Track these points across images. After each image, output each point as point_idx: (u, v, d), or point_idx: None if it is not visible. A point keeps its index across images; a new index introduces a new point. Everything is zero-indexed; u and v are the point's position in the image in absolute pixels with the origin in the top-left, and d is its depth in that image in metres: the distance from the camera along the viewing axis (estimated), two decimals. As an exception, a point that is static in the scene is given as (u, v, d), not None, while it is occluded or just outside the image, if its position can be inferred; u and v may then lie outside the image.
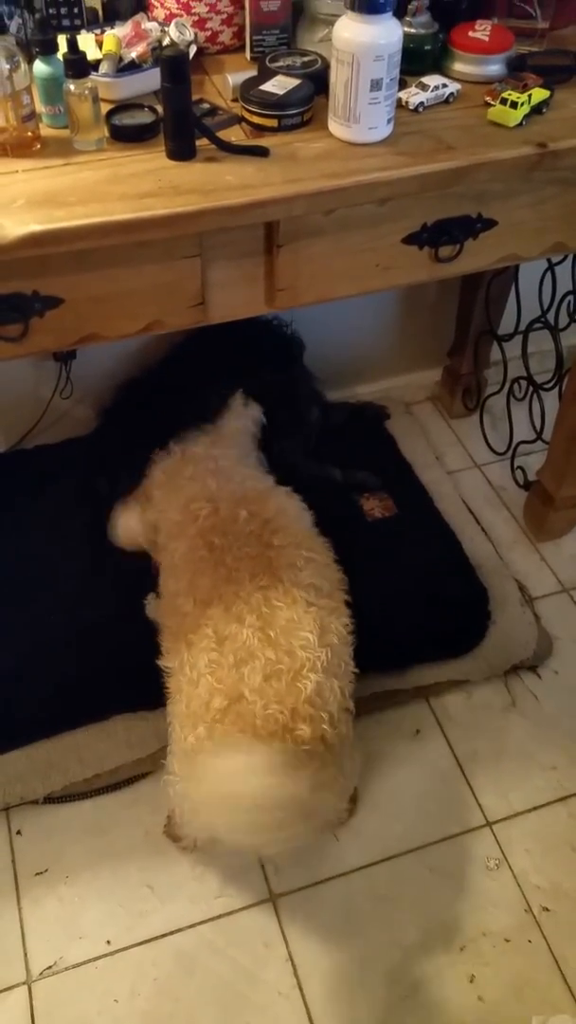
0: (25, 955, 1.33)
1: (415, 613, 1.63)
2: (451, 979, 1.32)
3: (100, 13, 1.30)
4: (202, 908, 1.38)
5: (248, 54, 1.30)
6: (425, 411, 2.14)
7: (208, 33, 1.30)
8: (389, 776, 1.53)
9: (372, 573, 1.66)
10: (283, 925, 1.37)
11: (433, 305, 2.02)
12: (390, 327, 2.04)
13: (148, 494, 1.57)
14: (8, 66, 1.06)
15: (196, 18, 1.28)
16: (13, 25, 1.22)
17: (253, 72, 1.22)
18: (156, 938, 1.35)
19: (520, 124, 1.16)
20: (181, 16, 1.27)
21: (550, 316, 1.76)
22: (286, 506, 1.46)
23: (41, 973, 1.32)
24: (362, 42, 1.04)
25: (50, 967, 1.32)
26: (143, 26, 1.25)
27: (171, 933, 1.36)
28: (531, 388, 1.86)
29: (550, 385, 1.80)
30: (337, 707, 1.20)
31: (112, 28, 1.25)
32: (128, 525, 1.62)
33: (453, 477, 1.97)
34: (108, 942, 1.35)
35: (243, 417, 1.67)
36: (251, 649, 1.20)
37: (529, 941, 1.36)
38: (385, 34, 1.04)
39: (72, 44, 1.07)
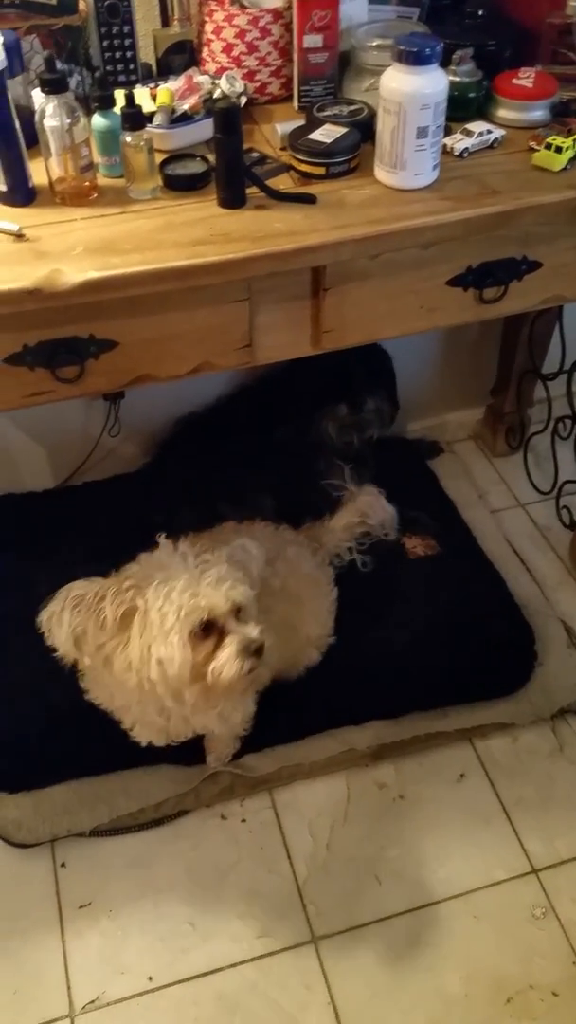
0: (68, 988, 1.33)
1: (458, 653, 1.62)
2: (497, 1031, 1.29)
3: (154, 68, 1.36)
4: (243, 947, 1.37)
5: (296, 104, 1.34)
6: (467, 449, 2.15)
7: (257, 84, 1.34)
8: (432, 819, 1.51)
9: (414, 612, 1.66)
10: (325, 968, 1.35)
11: (475, 344, 2.03)
12: (432, 366, 2.05)
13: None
14: (69, 120, 1.11)
15: (246, 71, 1.32)
16: (72, 82, 1.28)
17: (301, 121, 1.26)
18: (197, 976, 1.34)
19: (565, 168, 1.18)
20: (232, 69, 1.32)
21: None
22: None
23: (84, 1007, 1.32)
24: (408, 92, 1.07)
25: (92, 1001, 1.32)
26: (195, 79, 1.29)
27: (212, 972, 1.35)
28: (577, 427, 1.86)
29: (596, 424, 1.80)
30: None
31: (165, 82, 1.30)
32: None
33: (496, 516, 1.96)
34: (150, 978, 1.34)
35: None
36: None
37: (578, 995, 1.33)
38: (431, 84, 1.07)
39: (130, 98, 1.11)
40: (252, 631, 1.18)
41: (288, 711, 1.52)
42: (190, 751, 1.44)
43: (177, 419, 1.90)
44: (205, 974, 1.35)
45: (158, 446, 1.93)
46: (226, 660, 1.16)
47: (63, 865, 1.46)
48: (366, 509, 1.72)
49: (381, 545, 1.74)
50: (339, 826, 1.50)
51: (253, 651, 1.17)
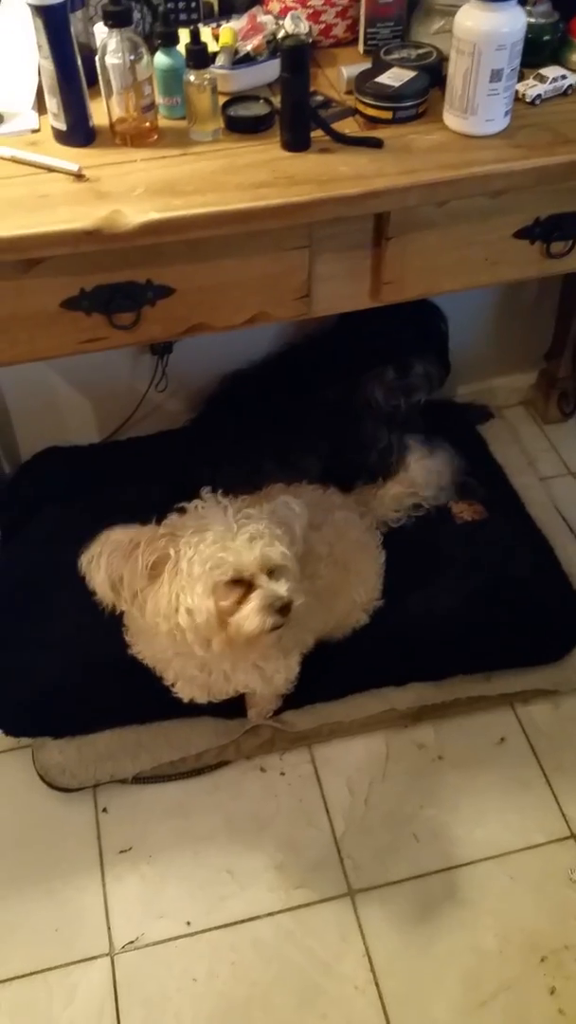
0: (108, 929, 1.36)
1: (504, 618, 1.60)
2: (531, 990, 1.30)
3: (216, 7, 1.32)
4: (281, 897, 1.38)
5: (361, 47, 1.30)
6: (517, 415, 2.11)
7: (322, 26, 1.31)
8: (471, 781, 1.51)
9: (459, 576, 1.64)
10: (360, 920, 1.36)
11: (532, 305, 1.98)
12: (485, 327, 2.01)
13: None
14: (132, 57, 1.08)
15: (311, 11, 1.28)
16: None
17: (366, 65, 1.22)
18: (235, 923, 1.36)
19: None
20: (296, 9, 1.28)
21: None
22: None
23: (123, 947, 1.35)
24: (485, 31, 1.03)
25: (132, 942, 1.35)
26: (258, 19, 1.26)
27: (250, 920, 1.37)
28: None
29: None
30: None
31: (228, 22, 1.27)
32: None
33: (546, 483, 1.93)
34: (188, 923, 1.37)
35: None
36: None
37: (614, 958, 1.32)
38: (508, 22, 1.03)
39: (195, 35, 1.09)
40: (280, 588, 1.17)
41: (331, 669, 1.51)
42: (232, 705, 1.45)
43: (224, 376, 1.88)
44: (242, 921, 1.37)
45: (204, 403, 1.92)
46: (247, 614, 1.17)
47: (104, 810, 1.48)
48: (418, 479, 1.69)
49: (427, 509, 1.72)
50: (378, 783, 1.50)
51: (278, 608, 1.17)
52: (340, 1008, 1.28)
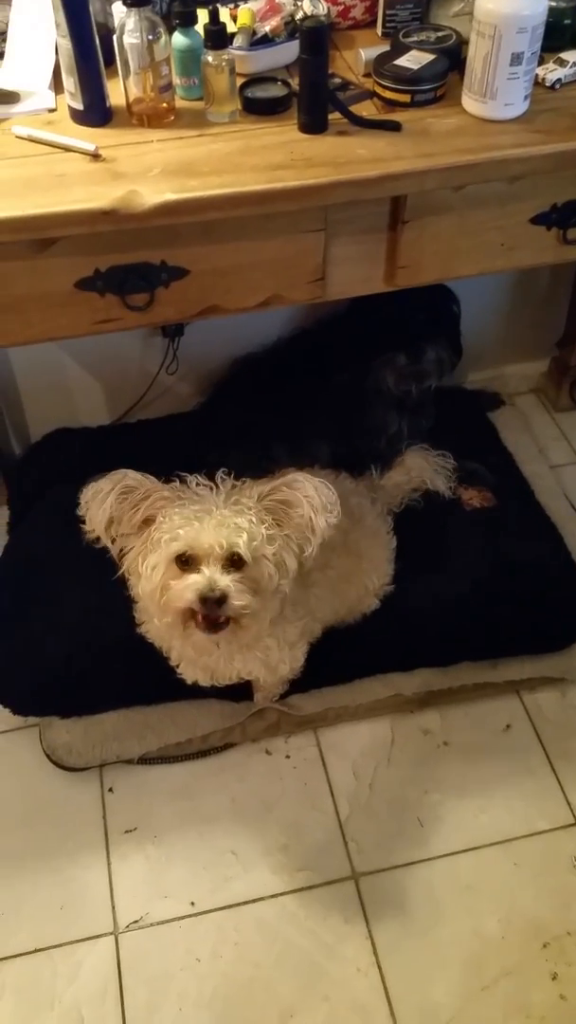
0: (113, 908, 1.37)
1: (510, 606, 1.60)
2: (532, 975, 1.30)
3: (234, -12, 1.31)
4: (284, 879, 1.39)
5: (379, 29, 1.30)
6: (528, 403, 2.10)
7: (340, 8, 1.30)
8: (476, 767, 1.51)
9: (468, 563, 1.64)
10: (364, 903, 1.37)
11: (546, 292, 1.97)
12: (498, 315, 2.00)
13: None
14: (150, 37, 1.08)
15: (330, -8, 1.28)
16: (151, 0, 1.25)
17: (385, 47, 1.22)
18: (239, 904, 1.37)
19: None
20: (315, -10, 1.27)
21: None
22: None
23: (128, 926, 1.36)
24: (506, 13, 1.02)
25: (136, 921, 1.36)
26: (277, 0, 1.25)
27: (253, 901, 1.37)
28: None
29: None
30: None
31: (246, 2, 1.26)
32: None
33: (556, 472, 1.93)
34: (192, 903, 1.37)
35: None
36: None
37: (615, 945, 1.33)
38: (530, 5, 1.03)
39: (214, 15, 1.08)
40: (221, 579, 1.14)
41: (338, 654, 1.52)
42: (238, 688, 1.46)
43: (235, 359, 1.88)
44: (246, 903, 1.38)
45: (214, 386, 1.92)
46: (177, 590, 1.15)
47: (110, 790, 1.49)
48: (415, 469, 1.69)
49: (437, 496, 1.72)
50: (383, 768, 1.51)
51: (216, 599, 1.14)
52: (342, 990, 1.29)
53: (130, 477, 1.22)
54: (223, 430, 1.77)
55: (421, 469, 1.69)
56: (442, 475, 1.71)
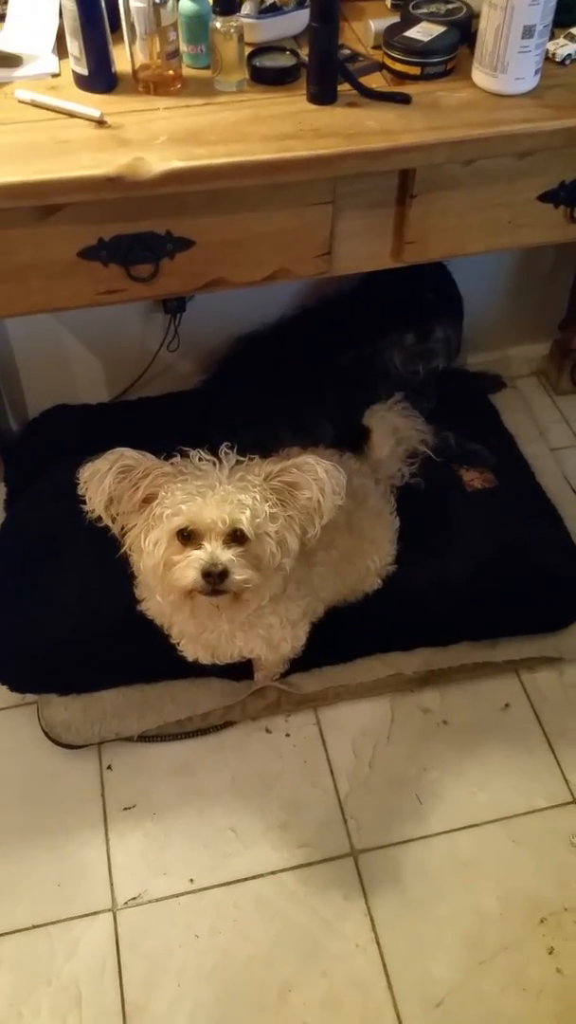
0: (111, 884, 1.37)
1: (510, 586, 1.60)
2: (530, 950, 1.31)
3: (242, -45, 1.29)
4: (284, 856, 1.40)
5: (389, 1, 1.28)
6: (530, 385, 2.10)
7: (349, -22, 1.28)
8: (475, 745, 1.52)
9: (468, 543, 1.64)
10: (363, 880, 1.37)
11: (548, 274, 1.96)
12: (499, 296, 1.99)
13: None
14: (157, 1, 1.06)
15: (339, -38, 1.25)
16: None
17: (394, 19, 1.20)
18: (238, 881, 1.37)
19: None
20: (324, -40, 1.25)
21: None
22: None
23: (126, 903, 1.36)
24: (520, -17, 1.01)
25: (135, 898, 1.36)
26: (285, -31, 1.23)
27: (253, 878, 1.38)
28: None
29: None
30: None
31: (254, -30, 1.24)
32: None
33: (556, 454, 1.92)
34: (191, 880, 1.38)
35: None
36: None
37: (612, 922, 1.34)
38: (544, -25, 1.01)
39: (223, -20, 1.06)
40: (222, 554, 1.14)
41: (338, 634, 1.51)
42: (238, 666, 1.46)
43: (238, 337, 1.86)
44: (246, 879, 1.38)
45: (216, 364, 1.90)
46: (180, 567, 1.15)
47: (109, 767, 1.49)
48: (401, 428, 1.68)
49: (438, 475, 1.71)
50: (382, 746, 1.51)
51: (218, 574, 1.14)
52: (341, 966, 1.30)
53: (127, 456, 1.20)
54: (225, 409, 1.76)
55: (405, 428, 1.67)
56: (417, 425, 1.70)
